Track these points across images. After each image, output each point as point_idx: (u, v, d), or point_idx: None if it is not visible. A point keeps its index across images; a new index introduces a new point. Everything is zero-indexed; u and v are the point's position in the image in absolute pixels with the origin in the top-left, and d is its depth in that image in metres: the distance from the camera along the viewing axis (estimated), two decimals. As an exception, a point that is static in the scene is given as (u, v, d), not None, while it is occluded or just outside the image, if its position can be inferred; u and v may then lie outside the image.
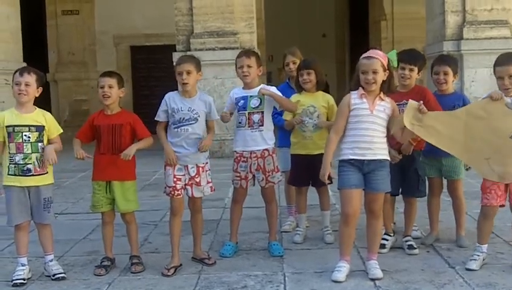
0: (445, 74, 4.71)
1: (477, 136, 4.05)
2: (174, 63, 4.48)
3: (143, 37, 15.71)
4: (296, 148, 4.91)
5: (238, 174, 4.62)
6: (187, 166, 4.33)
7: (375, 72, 3.93)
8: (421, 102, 4.05)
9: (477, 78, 10.13)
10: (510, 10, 10.38)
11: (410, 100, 4.09)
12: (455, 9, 10.44)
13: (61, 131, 4.30)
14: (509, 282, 3.87)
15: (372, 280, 3.96)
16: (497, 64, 4.17)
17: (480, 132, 4.05)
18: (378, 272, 3.99)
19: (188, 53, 10.40)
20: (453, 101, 4.61)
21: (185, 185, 4.35)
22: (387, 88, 4.01)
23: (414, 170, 4.53)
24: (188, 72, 4.30)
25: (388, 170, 4.06)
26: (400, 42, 14.61)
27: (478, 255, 4.16)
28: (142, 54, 15.94)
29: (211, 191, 4.46)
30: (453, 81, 4.80)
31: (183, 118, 4.30)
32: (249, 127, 4.57)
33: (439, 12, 10.74)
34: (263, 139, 4.58)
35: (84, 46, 15.99)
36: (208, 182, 4.43)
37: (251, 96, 4.59)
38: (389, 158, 4.06)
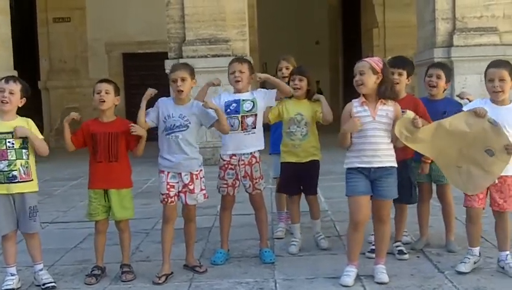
0: (438, 77, 4.77)
1: (454, 145, 4.12)
2: (169, 71, 4.47)
3: (135, 44, 15.71)
4: (285, 156, 4.90)
5: (225, 182, 4.62)
6: (180, 173, 4.34)
7: (361, 74, 3.98)
8: (417, 117, 4.07)
9: (468, 85, 10.18)
10: (499, 17, 10.47)
11: (408, 111, 4.12)
12: (445, 17, 10.52)
13: (42, 137, 4.27)
14: (497, 286, 3.90)
15: (378, 283, 4.01)
16: (489, 67, 4.23)
17: (458, 142, 4.11)
18: (384, 277, 4.04)
19: (181, 60, 10.45)
20: (443, 107, 4.64)
21: (179, 192, 4.36)
22: (383, 93, 4.02)
23: (407, 177, 4.55)
24: (183, 79, 4.31)
25: (395, 177, 4.09)
26: (392, 50, 14.69)
27: (468, 258, 4.20)
28: (134, 62, 15.92)
29: (204, 198, 4.46)
30: (444, 89, 4.84)
31: (174, 125, 4.30)
32: (242, 130, 4.58)
33: (429, 20, 10.81)
34: (256, 141, 4.62)
35: (75, 53, 15.94)
36: (202, 189, 4.42)
37: (243, 99, 4.60)
38: (396, 165, 4.08)
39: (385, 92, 4.03)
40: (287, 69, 5.33)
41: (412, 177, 4.61)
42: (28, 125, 4.17)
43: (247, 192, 4.70)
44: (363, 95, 4.04)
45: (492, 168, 4.08)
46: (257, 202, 4.74)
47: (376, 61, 4.04)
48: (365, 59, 4.08)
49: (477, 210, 4.19)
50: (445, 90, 4.89)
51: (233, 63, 4.69)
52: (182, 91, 4.31)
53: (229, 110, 4.59)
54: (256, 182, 4.64)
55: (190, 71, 4.41)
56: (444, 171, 4.31)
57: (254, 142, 4.62)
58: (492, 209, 4.21)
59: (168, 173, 4.33)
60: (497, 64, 4.24)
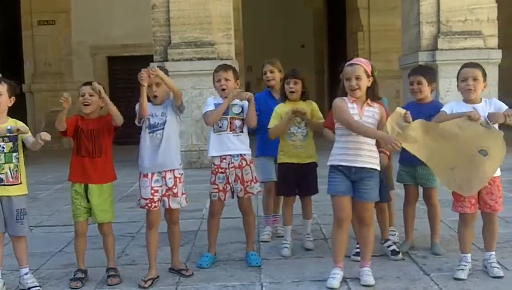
0: (419, 83, 4.80)
1: (446, 147, 4.13)
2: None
3: (120, 47, 15.66)
4: (285, 158, 4.87)
5: (216, 187, 4.61)
6: (165, 176, 4.32)
7: (358, 78, 3.97)
8: (408, 112, 4.09)
9: (452, 88, 10.21)
10: (484, 21, 10.57)
11: (398, 107, 4.15)
12: (430, 21, 10.61)
13: (29, 133, 4.22)
14: (482, 289, 3.92)
15: (364, 286, 4.01)
16: (463, 67, 4.34)
17: (451, 144, 4.12)
18: (370, 279, 4.05)
19: (166, 63, 10.45)
20: (429, 110, 4.67)
21: (162, 196, 4.35)
22: (371, 94, 4.05)
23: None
24: (157, 84, 4.30)
25: (377, 180, 4.10)
26: (377, 53, 14.82)
27: (465, 265, 4.19)
28: (119, 65, 15.88)
29: (186, 202, 4.45)
30: (432, 90, 4.88)
31: (158, 123, 4.31)
32: (230, 131, 4.58)
33: (414, 24, 10.89)
34: (242, 143, 4.62)
35: (60, 56, 15.89)
36: (183, 193, 4.42)
37: (232, 104, 4.60)
38: (378, 168, 4.10)
39: (376, 93, 4.08)
40: (271, 72, 5.34)
41: (383, 177, 4.58)
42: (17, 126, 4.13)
43: (237, 196, 4.67)
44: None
45: (486, 168, 4.08)
46: (246, 207, 4.72)
47: (367, 64, 4.05)
48: (357, 62, 4.05)
49: (474, 215, 4.21)
50: (433, 90, 4.91)
51: (219, 71, 4.70)
52: (157, 96, 4.32)
53: None
54: (247, 185, 4.63)
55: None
56: (435, 173, 4.32)
57: (240, 144, 4.62)
58: (483, 211, 4.24)
59: (152, 175, 4.31)
60: (470, 65, 4.37)
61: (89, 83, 4.41)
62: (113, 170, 4.42)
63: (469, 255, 4.24)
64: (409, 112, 4.09)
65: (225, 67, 4.72)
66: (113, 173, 4.42)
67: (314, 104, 4.96)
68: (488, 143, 4.07)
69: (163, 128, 4.31)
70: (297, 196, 5.04)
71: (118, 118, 4.27)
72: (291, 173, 4.85)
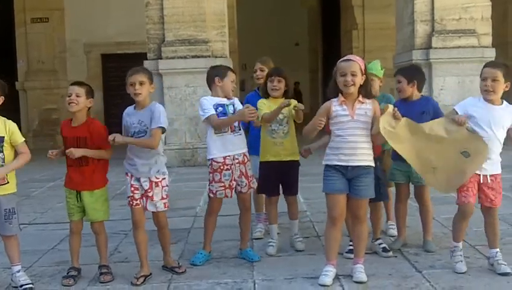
0: (398, 82, 4.84)
1: (430, 149, 4.18)
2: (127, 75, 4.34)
3: (114, 45, 15.64)
4: (266, 155, 4.87)
5: (223, 184, 4.57)
6: (139, 179, 4.29)
7: (353, 74, 3.98)
8: (396, 108, 4.11)
9: (446, 86, 10.32)
10: (477, 20, 10.58)
11: (389, 105, 4.16)
12: (424, 19, 10.62)
13: (23, 139, 4.21)
14: (474, 285, 3.94)
15: (356, 283, 4.03)
16: (485, 66, 4.30)
17: (435, 146, 4.18)
18: (362, 276, 4.06)
19: (160, 61, 10.44)
20: (421, 107, 4.67)
21: (142, 196, 4.32)
22: (364, 93, 4.06)
23: (375, 175, 4.56)
24: (141, 83, 4.25)
25: (373, 176, 4.13)
26: (371, 51, 14.84)
27: (460, 255, 4.26)
28: (113, 62, 15.85)
29: (165, 207, 4.36)
30: (413, 88, 4.81)
31: (135, 132, 4.26)
32: (231, 131, 4.59)
33: (408, 22, 10.90)
34: (242, 141, 4.65)
35: (54, 54, 15.83)
36: (163, 198, 4.33)
37: (227, 104, 4.61)
38: (373, 164, 4.12)
39: (369, 91, 4.09)
40: (261, 70, 5.36)
41: (380, 175, 4.61)
42: (5, 127, 4.10)
43: (241, 192, 4.66)
44: (344, 94, 4.05)
45: (466, 168, 4.15)
46: (247, 202, 4.73)
47: (362, 62, 4.07)
48: (352, 58, 4.07)
49: (473, 206, 4.24)
50: (417, 89, 4.86)
51: (231, 72, 4.74)
52: (140, 94, 4.24)
53: (217, 113, 4.58)
54: (251, 180, 4.67)
55: (149, 75, 4.34)
56: (418, 171, 4.36)
57: (242, 142, 4.66)
58: (484, 206, 4.27)
59: (132, 175, 4.30)
60: (493, 64, 4.34)
61: (76, 83, 4.38)
62: (103, 177, 4.36)
63: (461, 243, 4.29)
64: (396, 108, 4.11)
65: (233, 70, 4.80)
66: (103, 180, 4.36)
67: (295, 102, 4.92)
68: (471, 146, 4.14)
69: (140, 136, 4.24)
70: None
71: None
72: (271, 172, 4.83)
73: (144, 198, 4.30)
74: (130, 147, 4.30)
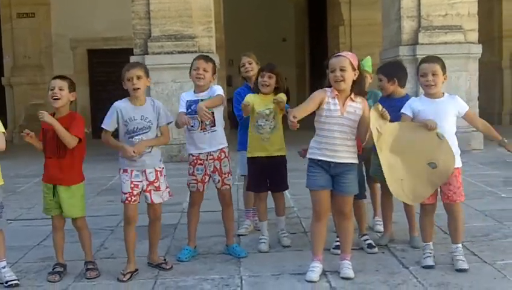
0: (380, 80, 4.89)
1: (400, 160, 4.18)
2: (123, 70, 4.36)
3: (100, 40, 15.52)
4: (253, 150, 4.85)
5: (195, 177, 4.61)
6: (145, 171, 4.30)
7: (342, 70, 3.95)
8: (384, 109, 4.09)
9: (432, 82, 10.32)
10: (464, 16, 10.64)
11: (377, 103, 4.16)
12: (411, 15, 10.65)
13: (3, 130, 4.21)
14: (461, 281, 3.95)
15: (344, 279, 4.02)
16: (422, 62, 4.35)
17: (404, 157, 4.18)
18: (349, 272, 4.06)
19: (146, 56, 10.39)
20: (401, 104, 4.66)
21: (143, 191, 4.31)
22: (357, 89, 4.05)
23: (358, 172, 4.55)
24: (138, 77, 4.26)
25: (356, 173, 4.13)
26: (358, 47, 14.80)
27: (430, 252, 4.29)
28: (99, 58, 15.75)
29: (169, 195, 4.44)
30: (394, 85, 4.84)
31: (137, 128, 4.25)
32: (201, 130, 4.57)
33: (395, 18, 10.93)
34: (216, 139, 4.61)
35: (40, 49, 15.71)
36: (167, 187, 4.41)
37: (202, 100, 4.56)
38: (357, 161, 4.12)
39: (362, 88, 4.09)
40: (249, 64, 5.37)
41: (359, 173, 4.59)
42: None
43: (216, 187, 4.69)
44: (337, 90, 4.03)
45: (433, 179, 4.18)
46: (226, 199, 4.73)
47: (353, 57, 4.04)
48: (343, 54, 4.04)
49: (430, 206, 4.30)
50: (398, 85, 4.87)
51: (199, 60, 4.65)
52: (139, 89, 4.25)
53: (190, 110, 4.58)
54: (225, 177, 4.64)
55: (145, 69, 4.37)
56: (388, 183, 4.25)
57: (214, 141, 4.61)
58: (443, 202, 4.29)
59: (132, 171, 4.27)
60: (429, 59, 4.38)
61: (58, 77, 4.35)
62: (81, 172, 4.34)
63: (431, 243, 4.34)
64: (383, 109, 4.10)
65: (206, 58, 4.68)
66: (80, 174, 4.34)
67: (284, 97, 4.89)
68: (438, 156, 4.15)
69: (144, 132, 4.26)
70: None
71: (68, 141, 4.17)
72: (259, 168, 4.82)
73: (147, 192, 4.29)
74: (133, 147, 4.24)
